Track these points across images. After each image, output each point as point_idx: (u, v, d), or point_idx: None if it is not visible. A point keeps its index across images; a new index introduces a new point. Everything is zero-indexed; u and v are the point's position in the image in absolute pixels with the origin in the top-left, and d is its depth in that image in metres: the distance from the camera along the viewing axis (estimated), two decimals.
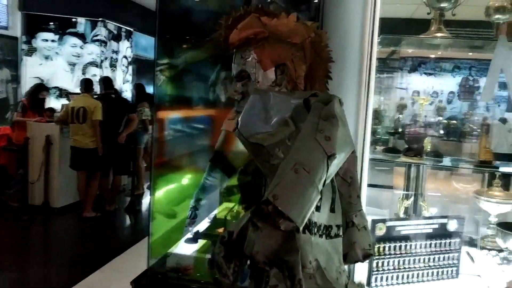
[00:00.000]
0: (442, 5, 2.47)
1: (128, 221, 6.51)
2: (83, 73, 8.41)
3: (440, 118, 3.41)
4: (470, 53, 4.10)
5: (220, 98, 2.29)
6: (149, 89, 7.36)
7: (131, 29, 9.72)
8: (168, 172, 2.51)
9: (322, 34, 1.31)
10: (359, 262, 1.37)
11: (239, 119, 1.23)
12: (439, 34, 2.54)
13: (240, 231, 0.97)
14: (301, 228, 0.90)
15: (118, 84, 8.97)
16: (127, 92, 9.65)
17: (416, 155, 2.56)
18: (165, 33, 2.25)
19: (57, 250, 5.26)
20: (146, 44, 10.08)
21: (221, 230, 2.58)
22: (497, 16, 2.70)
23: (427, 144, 2.70)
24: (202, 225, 2.62)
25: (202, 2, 2.29)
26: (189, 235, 2.57)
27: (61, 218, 6.18)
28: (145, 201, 7.02)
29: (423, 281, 2.53)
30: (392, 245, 2.45)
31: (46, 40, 8.25)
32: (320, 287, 1.15)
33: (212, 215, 2.56)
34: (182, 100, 2.37)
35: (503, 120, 2.86)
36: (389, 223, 2.46)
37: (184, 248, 2.51)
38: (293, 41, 1.28)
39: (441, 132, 3.12)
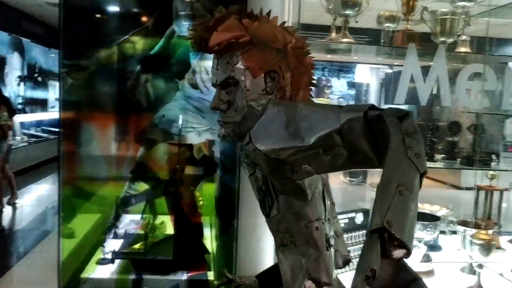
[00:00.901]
0: (347, 12, 2.63)
1: None
2: None
3: None
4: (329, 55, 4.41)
5: (142, 103, 2.09)
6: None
7: None
8: (78, 188, 2.23)
9: (303, 40, 1.27)
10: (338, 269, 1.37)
11: (253, 132, 1.12)
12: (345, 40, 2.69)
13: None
14: (411, 255, 0.84)
15: None
16: None
17: None
18: (71, 31, 1.97)
19: None
20: None
21: (138, 246, 2.38)
22: (387, 24, 2.98)
23: None
24: (118, 243, 2.38)
25: None
26: (106, 255, 2.32)
27: None
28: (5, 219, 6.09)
29: (338, 274, 2.66)
30: None
31: None
32: None
33: (131, 230, 2.34)
34: (93, 106, 2.10)
35: None
36: None
37: (101, 271, 2.25)
38: (275, 46, 1.21)
39: None
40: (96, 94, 2.09)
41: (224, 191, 2.23)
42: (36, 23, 10.29)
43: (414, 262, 2.76)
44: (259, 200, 1.22)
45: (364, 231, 2.75)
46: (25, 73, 9.31)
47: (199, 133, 2.16)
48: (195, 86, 2.14)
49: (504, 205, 3.52)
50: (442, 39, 3.03)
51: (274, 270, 1.52)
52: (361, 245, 2.72)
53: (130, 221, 2.33)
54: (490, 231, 2.69)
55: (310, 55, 1.26)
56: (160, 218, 2.47)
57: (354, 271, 0.81)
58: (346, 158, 1.01)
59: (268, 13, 1.21)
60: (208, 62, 2.15)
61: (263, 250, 2.44)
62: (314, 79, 1.27)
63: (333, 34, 2.78)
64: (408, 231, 0.81)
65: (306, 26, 2.65)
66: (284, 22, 1.25)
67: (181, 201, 2.20)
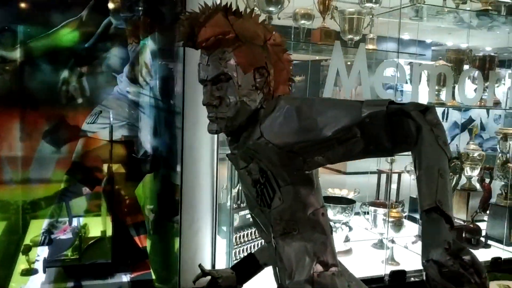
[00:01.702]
0: (271, 9, 2.73)
1: None
2: None
3: None
4: None
5: (76, 99, 1.95)
6: None
7: None
8: None
9: (281, 37, 1.32)
10: None
11: (265, 127, 1.15)
12: None
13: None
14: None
15: None
16: None
17: None
18: None
19: None
20: None
21: (70, 251, 2.24)
22: (302, 22, 3.15)
23: None
24: (46, 251, 2.21)
25: None
26: (32, 265, 2.15)
27: None
28: None
29: None
30: (247, 232, 2.61)
31: None
32: (347, 281, 1.22)
33: (59, 235, 2.18)
34: (21, 101, 1.90)
35: None
36: (242, 212, 2.60)
37: (33, 282, 2.07)
38: (256, 43, 1.25)
39: None
40: (25, 88, 1.89)
41: (165, 187, 2.19)
42: None
43: (338, 243, 3.00)
44: (255, 192, 1.25)
45: None
46: None
47: (139, 129, 2.09)
48: (134, 80, 2.06)
49: (393, 186, 3.97)
50: (349, 36, 3.30)
51: (248, 260, 1.57)
52: None
53: (53, 226, 2.18)
54: (400, 209, 3.03)
55: (287, 52, 1.32)
56: (83, 220, 2.34)
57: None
58: (361, 148, 1.10)
59: (251, 10, 1.25)
60: (147, 57, 2.09)
61: (201, 245, 2.45)
62: (292, 75, 1.34)
63: None
64: (451, 208, 0.93)
65: None
66: (264, 20, 1.29)
67: (120, 200, 2.11)
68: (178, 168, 2.16)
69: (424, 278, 0.87)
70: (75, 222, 2.30)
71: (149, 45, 2.06)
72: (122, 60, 2.03)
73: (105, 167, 2.06)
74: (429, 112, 1.02)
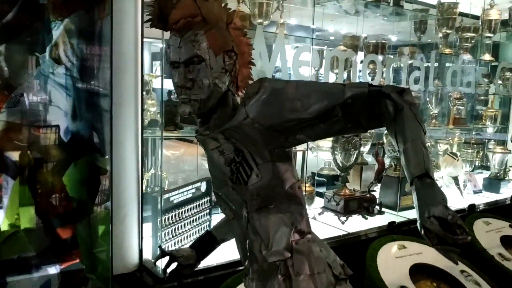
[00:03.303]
0: None
1: None
2: None
3: None
4: None
5: None
6: None
7: None
8: None
9: (241, 22, 1.36)
10: None
11: (250, 108, 1.18)
12: None
13: None
14: None
15: None
16: None
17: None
18: None
19: None
20: None
21: None
22: None
23: None
24: None
25: None
26: None
27: None
28: None
29: (191, 241, 2.83)
30: (171, 214, 2.62)
31: None
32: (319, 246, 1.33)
33: None
34: None
35: None
36: (166, 195, 2.60)
37: None
38: (219, 25, 1.28)
39: None
40: None
41: (93, 173, 2.10)
42: None
43: None
44: (229, 171, 1.30)
45: (208, 198, 2.98)
46: None
47: (65, 113, 1.96)
48: (58, 61, 1.92)
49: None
50: (259, 20, 3.42)
51: (206, 237, 1.62)
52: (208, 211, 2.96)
53: None
54: (310, 184, 3.28)
55: (247, 35, 1.38)
56: None
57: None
58: (341, 127, 1.20)
59: None
60: (71, 36, 1.96)
61: (129, 230, 2.42)
62: (253, 58, 1.40)
63: None
64: (432, 174, 1.07)
65: None
66: (226, 4, 1.33)
67: (46, 189, 1.98)
68: (106, 153, 2.10)
69: (424, 235, 1.00)
70: None
71: (74, 23, 1.94)
72: (45, 39, 1.88)
73: (29, 154, 1.91)
74: (405, 93, 1.17)
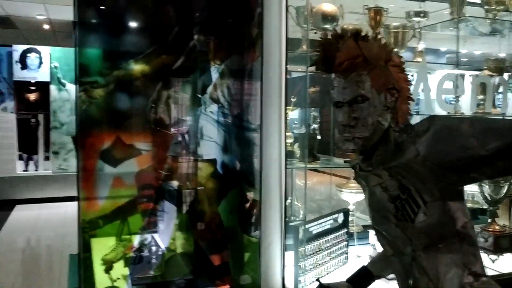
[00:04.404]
0: (326, 26, 2.82)
1: None
2: None
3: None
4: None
5: (164, 120, 2.01)
6: None
7: None
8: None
9: (399, 58, 1.39)
10: None
11: (421, 145, 1.22)
12: None
13: None
14: None
15: None
16: None
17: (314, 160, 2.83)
18: (87, 45, 1.85)
19: None
20: None
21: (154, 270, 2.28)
22: None
23: None
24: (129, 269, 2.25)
25: (134, 11, 1.96)
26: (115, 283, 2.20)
27: None
28: None
29: (328, 272, 2.83)
30: (311, 245, 2.66)
31: None
32: None
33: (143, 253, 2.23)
34: (115, 125, 1.97)
35: None
36: (306, 226, 2.65)
37: None
38: (379, 64, 1.32)
39: None
40: (116, 112, 1.96)
41: (245, 203, 2.25)
42: None
43: None
44: (394, 207, 1.31)
45: (345, 229, 2.97)
46: None
47: (220, 147, 2.16)
48: (217, 100, 2.13)
49: None
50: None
51: (363, 272, 1.63)
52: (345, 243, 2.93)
53: (143, 244, 2.23)
54: None
55: (405, 71, 1.39)
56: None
57: None
58: None
59: (376, 35, 1.32)
60: (228, 77, 2.16)
61: (272, 257, 2.51)
62: (411, 94, 1.41)
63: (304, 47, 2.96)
64: None
65: None
66: (385, 42, 1.37)
67: (203, 217, 2.17)
68: (255, 184, 2.23)
69: None
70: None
71: (229, 66, 2.14)
72: (205, 82, 2.11)
73: (190, 185, 2.11)
74: None
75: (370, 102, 1.26)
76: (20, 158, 8.35)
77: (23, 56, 8.14)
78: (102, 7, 1.97)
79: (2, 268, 5.02)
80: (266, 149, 2.35)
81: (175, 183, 2.12)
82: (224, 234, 2.23)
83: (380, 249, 1.64)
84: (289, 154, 3.10)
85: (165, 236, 2.39)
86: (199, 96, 2.10)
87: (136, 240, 2.34)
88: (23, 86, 8.32)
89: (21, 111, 8.37)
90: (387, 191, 1.32)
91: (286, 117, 2.44)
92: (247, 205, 2.24)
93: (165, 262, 2.30)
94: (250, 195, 2.28)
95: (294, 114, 3.56)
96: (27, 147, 8.40)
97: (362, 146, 1.29)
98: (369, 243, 3.14)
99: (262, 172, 2.19)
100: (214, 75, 2.12)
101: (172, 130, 2.05)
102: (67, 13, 8.24)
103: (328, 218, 2.89)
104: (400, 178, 1.28)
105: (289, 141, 3.57)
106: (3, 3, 7.96)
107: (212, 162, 2.15)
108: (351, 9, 3.27)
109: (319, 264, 2.72)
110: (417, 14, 3.17)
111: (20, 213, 7.45)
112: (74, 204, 2.14)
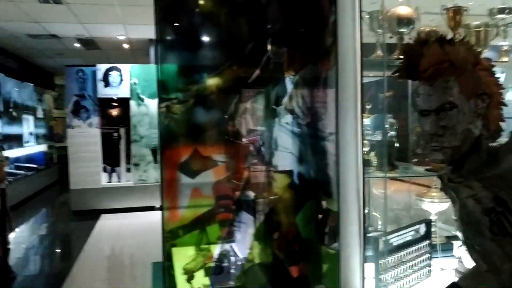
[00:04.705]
0: (402, 30, 2.73)
1: None
2: None
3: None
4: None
5: (241, 132, 2.06)
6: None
7: None
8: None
9: (489, 61, 1.31)
10: None
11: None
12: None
13: None
14: None
15: None
16: None
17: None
18: (166, 62, 1.93)
19: None
20: None
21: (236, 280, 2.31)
22: None
23: None
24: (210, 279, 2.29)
25: (210, 27, 2.03)
26: None
27: None
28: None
29: (411, 286, 2.70)
30: (392, 257, 2.56)
31: None
32: None
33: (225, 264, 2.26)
34: (194, 138, 2.04)
35: None
36: (386, 237, 2.56)
37: None
38: (467, 68, 1.25)
39: None
40: (194, 125, 2.04)
41: (323, 214, 2.22)
42: (8, 56, 9.84)
43: None
44: (488, 221, 1.23)
45: (428, 241, 2.82)
46: (1, 108, 8.84)
47: (296, 158, 2.16)
48: (292, 111, 2.14)
49: None
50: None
51: None
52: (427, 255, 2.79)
53: (223, 255, 2.27)
54: None
55: (495, 75, 1.31)
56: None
57: None
58: None
59: (463, 38, 1.25)
60: (303, 88, 2.16)
61: (351, 269, 2.44)
62: (503, 98, 1.32)
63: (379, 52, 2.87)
64: None
65: None
66: (472, 45, 1.29)
67: (281, 228, 2.17)
68: (333, 195, 2.19)
69: None
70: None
71: (304, 75, 2.13)
72: (280, 93, 2.12)
73: (266, 195, 2.13)
74: None
75: (459, 109, 1.19)
76: (104, 170, 8.88)
77: (106, 75, 8.69)
78: (180, 25, 2.06)
79: (92, 275, 5.35)
80: (343, 157, 2.31)
81: (251, 194, 2.14)
82: (301, 245, 2.21)
83: (469, 263, 1.54)
84: (365, 163, 3.02)
85: (242, 246, 2.42)
86: (274, 107, 2.11)
87: (214, 250, 2.40)
88: (106, 103, 8.87)
89: (104, 126, 8.92)
90: (480, 203, 1.23)
91: (362, 125, 2.38)
92: (324, 215, 2.21)
93: (244, 272, 2.32)
94: (326, 205, 2.24)
95: (366, 121, 3.47)
96: (110, 159, 8.92)
97: (451, 156, 1.22)
98: (453, 255, 2.97)
99: (339, 181, 2.15)
100: (289, 86, 2.13)
101: (248, 141, 2.07)
102: (144, 32, 8.79)
103: (409, 229, 2.77)
104: (495, 190, 1.19)
105: (365, 149, 3.49)
106: (88, 26, 8.59)
107: (289, 173, 2.14)
108: (425, 9, 3.13)
109: (401, 277, 2.62)
110: (501, 11, 2.96)
111: (105, 222, 7.91)
112: (153, 213, 2.24)
